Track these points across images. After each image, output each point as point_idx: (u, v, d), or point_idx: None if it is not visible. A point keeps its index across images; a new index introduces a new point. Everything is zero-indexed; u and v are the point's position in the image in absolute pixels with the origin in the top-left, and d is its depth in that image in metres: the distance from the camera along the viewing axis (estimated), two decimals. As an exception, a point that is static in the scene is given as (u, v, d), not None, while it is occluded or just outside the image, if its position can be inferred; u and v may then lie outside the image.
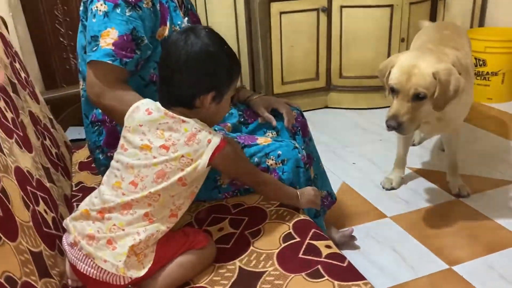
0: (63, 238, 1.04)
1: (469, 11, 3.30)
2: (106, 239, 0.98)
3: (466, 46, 2.03)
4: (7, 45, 1.51)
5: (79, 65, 1.39)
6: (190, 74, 1.04)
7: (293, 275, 1.02)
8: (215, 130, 1.21)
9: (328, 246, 1.11)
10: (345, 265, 1.05)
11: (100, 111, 1.35)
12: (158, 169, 1.01)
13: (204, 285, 1.04)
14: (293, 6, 2.93)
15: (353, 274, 1.02)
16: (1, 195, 0.86)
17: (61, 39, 2.87)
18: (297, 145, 1.36)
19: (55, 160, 1.44)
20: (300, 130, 1.58)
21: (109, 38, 1.18)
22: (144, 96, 1.15)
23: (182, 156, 1.01)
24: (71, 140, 1.89)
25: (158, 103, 1.08)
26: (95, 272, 0.96)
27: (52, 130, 1.58)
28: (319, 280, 0.99)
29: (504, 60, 3.06)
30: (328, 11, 2.97)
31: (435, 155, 2.53)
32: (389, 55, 2.96)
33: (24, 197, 0.97)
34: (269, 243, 1.13)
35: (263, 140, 1.35)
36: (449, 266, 1.69)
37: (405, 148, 2.20)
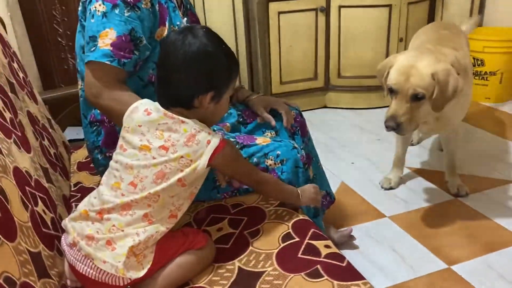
0: (62, 238, 1.04)
1: (467, 11, 3.30)
2: (106, 239, 0.97)
3: (464, 46, 2.03)
4: (5, 45, 1.51)
5: (77, 65, 1.38)
6: (189, 74, 1.03)
7: (292, 275, 1.02)
8: (214, 130, 1.20)
9: (327, 246, 1.11)
10: (344, 265, 1.05)
11: (98, 111, 1.35)
12: (157, 169, 1.01)
13: (204, 285, 1.04)
14: (291, 6, 2.93)
15: (352, 273, 1.02)
16: (0, 196, 0.86)
17: (59, 39, 2.87)
18: (296, 145, 1.36)
19: (54, 160, 1.44)
20: (299, 130, 1.59)
21: (107, 39, 1.18)
22: (143, 97, 1.14)
23: (182, 156, 1.01)
24: (70, 140, 1.89)
25: (157, 104, 1.07)
26: (94, 272, 0.96)
27: (50, 130, 1.57)
28: (318, 280, 0.99)
29: (502, 60, 3.06)
30: (326, 11, 2.97)
31: (434, 155, 2.53)
32: (387, 55, 2.97)
33: (23, 197, 0.97)
34: (268, 243, 1.13)
35: (262, 140, 1.35)
36: (448, 265, 1.69)
37: (404, 147, 2.20)
